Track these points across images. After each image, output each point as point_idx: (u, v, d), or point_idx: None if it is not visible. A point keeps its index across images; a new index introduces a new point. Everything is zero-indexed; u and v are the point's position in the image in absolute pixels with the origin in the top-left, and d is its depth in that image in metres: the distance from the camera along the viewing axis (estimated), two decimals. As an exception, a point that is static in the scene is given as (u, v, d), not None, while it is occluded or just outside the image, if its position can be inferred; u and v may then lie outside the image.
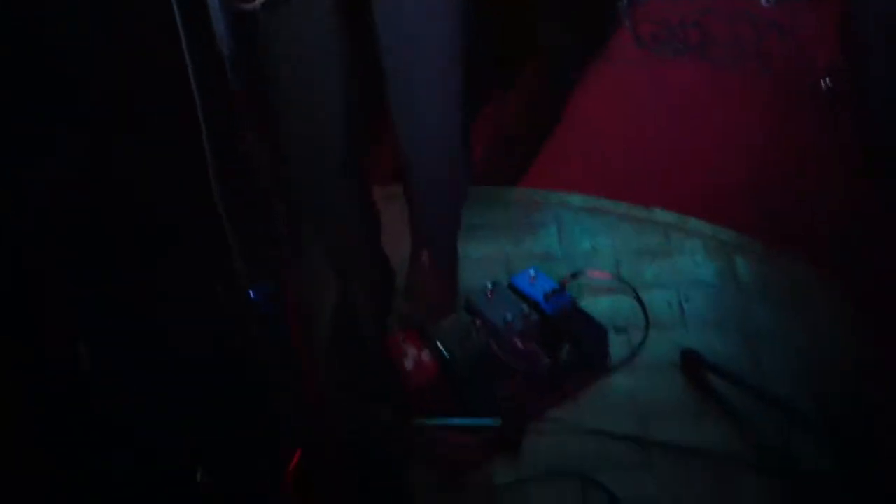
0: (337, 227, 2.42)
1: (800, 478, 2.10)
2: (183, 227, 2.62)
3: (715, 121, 3.19)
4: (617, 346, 2.43)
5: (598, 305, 2.53)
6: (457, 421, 2.20)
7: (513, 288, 2.46)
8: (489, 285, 2.43)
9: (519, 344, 2.31)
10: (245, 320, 2.36)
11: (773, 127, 3.13)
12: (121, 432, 2.14)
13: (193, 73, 1.71)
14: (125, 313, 2.42)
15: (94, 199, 2.37)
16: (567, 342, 2.35)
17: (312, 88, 2.12)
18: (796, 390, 2.25)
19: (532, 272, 2.47)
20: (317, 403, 2.02)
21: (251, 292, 2.37)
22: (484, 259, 2.71)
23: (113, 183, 2.44)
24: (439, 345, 2.34)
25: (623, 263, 2.67)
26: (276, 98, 2.06)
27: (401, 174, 2.44)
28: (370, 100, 2.26)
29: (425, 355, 2.31)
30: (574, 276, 2.56)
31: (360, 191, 2.41)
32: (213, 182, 1.81)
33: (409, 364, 2.29)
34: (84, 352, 2.21)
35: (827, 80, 3.11)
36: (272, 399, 2.18)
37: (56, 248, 2.32)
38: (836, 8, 3.30)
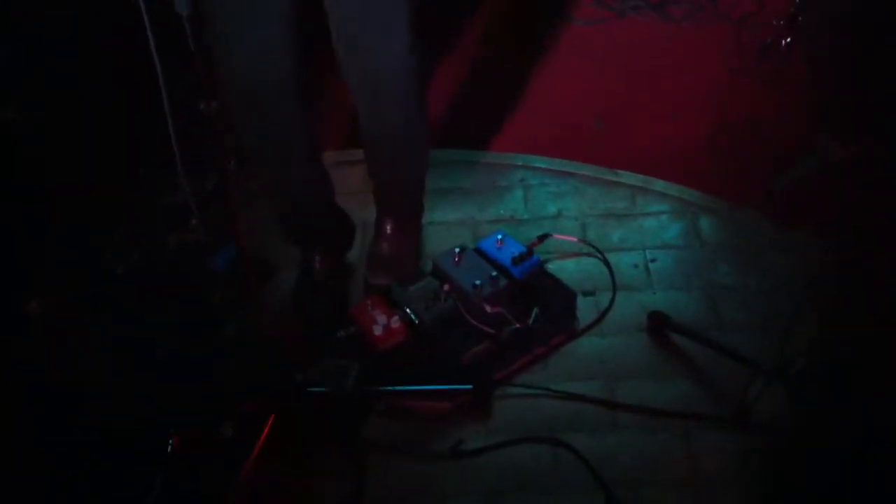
0: (287, 182, 2.41)
1: (761, 434, 2.13)
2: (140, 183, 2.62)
3: (675, 79, 3.19)
4: (585, 309, 2.44)
5: (565, 269, 2.54)
6: (427, 387, 2.20)
7: (480, 252, 2.45)
8: (457, 249, 2.42)
9: (487, 308, 2.31)
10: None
11: (732, 83, 3.14)
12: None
13: (152, 34, 1.70)
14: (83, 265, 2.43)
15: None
16: (535, 306, 2.35)
17: (249, 35, 2.08)
18: (758, 346, 2.28)
19: (499, 236, 2.46)
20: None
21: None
22: (450, 223, 2.71)
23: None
24: (408, 310, 2.33)
25: (589, 226, 2.67)
26: (218, 53, 2.04)
27: (360, 135, 2.42)
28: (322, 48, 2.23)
29: (394, 321, 2.30)
30: (541, 239, 2.56)
31: (307, 144, 2.38)
32: (172, 139, 1.81)
33: (377, 330, 2.28)
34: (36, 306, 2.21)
35: (788, 39, 3.12)
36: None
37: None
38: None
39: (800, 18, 3.11)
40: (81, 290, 2.42)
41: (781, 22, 3.17)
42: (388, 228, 2.55)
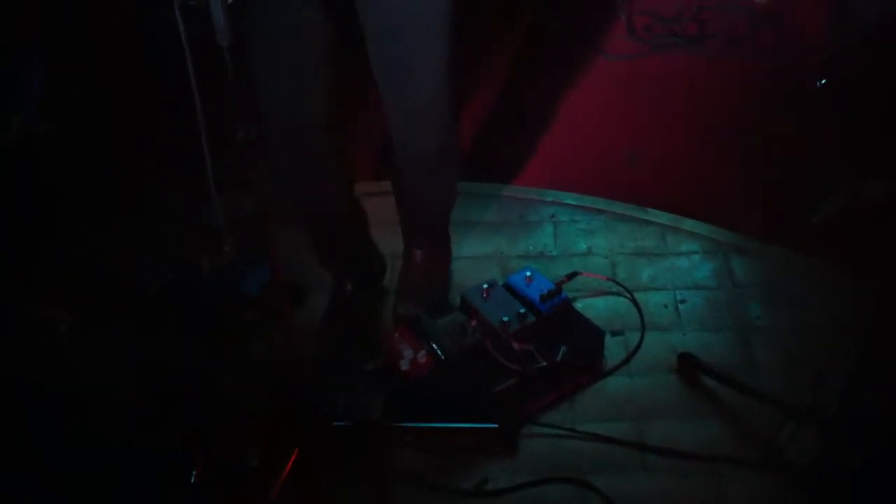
0: (321, 211, 2.42)
1: (793, 476, 2.10)
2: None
3: (710, 116, 3.18)
4: (613, 348, 2.41)
5: (594, 307, 2.52)
6: (453, 424, 2.18)
7: (509, 288, 2.44)
8: (485, 284, 2.41)
9: (515, 344, 2.29)
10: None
11: (766, 120, 3.13)
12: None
13: (192, 63, 1.72)
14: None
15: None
16: (563, 344, 2.33)
17: (289, 78, 2.11)
18: (790, 388, 2.25)
19: (528, 272, 2.45)
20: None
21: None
22: (479, 258, 2.70)
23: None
24: (434, 345, 2.32)
25: (619, 264, 2.66)
26: (259, 87, 2.06)
27: (391, 166, 2.43)
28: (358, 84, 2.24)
29: (421, 355, 2.28)
30: (570, 276, 2.54)
31: (341, 174, 2.39)
32: (208, 164, 1.82)
33: (404, 364, 2.27)
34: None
35: (822, 80, 3.10)
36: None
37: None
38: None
39: (835, 57, 3.10)
40: (111, 310, 2.43)
41: (818, 61, 3.15)
42: (417, 259, 2.55)
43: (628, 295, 2.55)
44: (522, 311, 2.34)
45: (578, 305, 2.50)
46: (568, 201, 2.87)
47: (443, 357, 2.31)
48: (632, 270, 2.64)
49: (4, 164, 2.43)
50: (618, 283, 2.58)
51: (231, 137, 1.82)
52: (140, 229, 2.60)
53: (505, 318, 2.31)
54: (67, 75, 2.62)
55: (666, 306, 2.54)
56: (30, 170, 2.46)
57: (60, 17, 2.57)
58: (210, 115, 1.80)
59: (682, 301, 2.55)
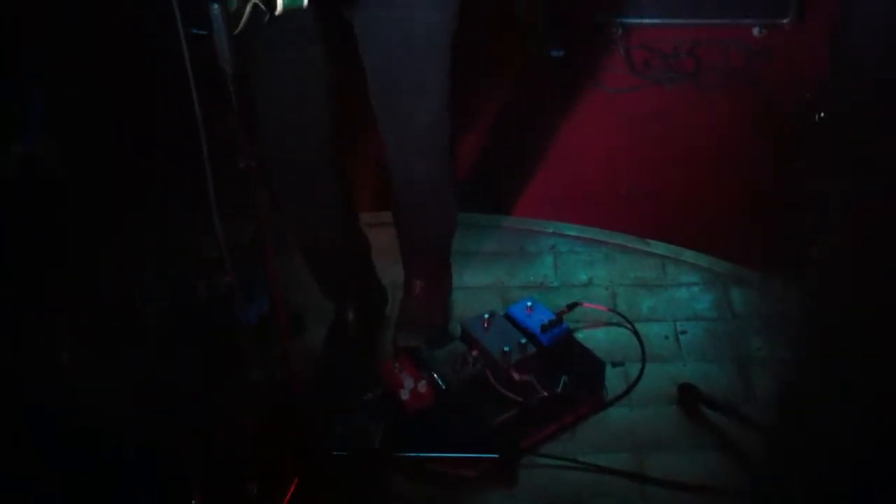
0: (323, 240, 2.42)
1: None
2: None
3: (709, 149, 3.20)
4: (614, 379, 2.41)
5: (594, 338, 2.52)
6: (453, 454, 2.17)
7: (509, 318, 2.44)
8: (486, 315, 2.41)
9: (515, 375, 2.29)
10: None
11: (763, 152, 3.15)
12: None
13: (196, 91, 1.73)
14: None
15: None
16: (564, 374, 2.33)
17: (292, 107, 2.13)
18: (791, 419, 2.25)
19: (529, 302, 2.45)
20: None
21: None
22: (480, 288, 2.70)
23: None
24: (435, 375, 2.32)
25: (619, 295, 2.66)
26: (261, 117, 2.07)
27: (392, 198, 2.44)
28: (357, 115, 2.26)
29: (421, 385, 2.28)
30: (571, 307, 2.54)
31: (343, 204, 2.40)
32: (210, 192, 1.82)
33: (404, 394, 2.26)
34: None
35: (821, 114, 3.12)
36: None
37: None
38: (824, 30, 3.33)
39: (832, 90, 3.12)
40: (110, 336, 2.43)
41: (816, 95, 3.17)
42: (418, 289, 2.55)
43: (629, 326, 2.55)
44: (523, 341, 2.34)
45: (579, 336, 2.49)
46: (568, 232, 2.88)
47: (443, 387, 2.30)
48: (632, 301, 2.64)
49: (6, 190, 2.43)
50: (619, 314, 2.58)
51: (233, 166, 1.82)
52: (140, 256, 2.60)
53: (505, 349, 2.31)
54: (70, 103, 2.64)
55: (666, 337, 2.54)
56: (31, 194, 2.47)
57: (64, 45, 2.59)
58: (213, 143, 1.81)
59: (683, 332, 2.55)
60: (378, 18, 2.02)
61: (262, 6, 1.74)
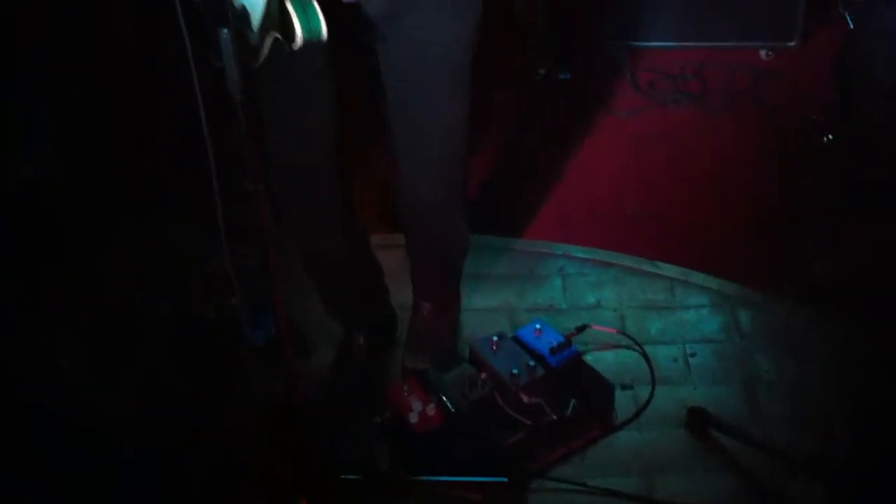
0: (331, 260, 2.42)
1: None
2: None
3: (716, 170, 3.20)
4: (623, 402, 2.40)
5: (603, 360, 2.51)
6: (462, 478, 2.16)
7: (518, 340, 2.43)
8: (494, 337, 2.40)
9: (524, 397, 2.28)
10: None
11: (770, 174, 3.15)
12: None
13: (206, 119, 1.73)
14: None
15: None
16: (573, 397, 2.32)
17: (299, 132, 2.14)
18: (799, 442, 2.25)
19: (537, 325, 2.45)
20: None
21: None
22: (488, 310, 2.69)
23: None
24: (444, 397, 2.31)
25: (628, 317, 2.65)
26: (270, 140, 2.08)
27: (401, 219, 2.44)
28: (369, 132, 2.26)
29: (430, 408, 2.27)
30: (580, 329, 2.53)
31: (347, 216, 2.40)
32: (219, 213, 1.82)
33: (413, 416, 2.26)
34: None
35: (830, 136, 3.12)
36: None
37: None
38: (831, 53, 3.34)
39: (839, 115, 3.12)
40: (116, 356, 2.43)
41: (823, 117, 3.17)
42: (426, 312, 2.55)
43: (638, 348, 2.54)
44: (532, 363, 2.33)
45: (588, 358, 2.49)
46: (577, 254, 2.87)
47: (452, 410, 2.29)
48: (641, 324, 2.63)
49: (13, 206, 2.44)
50: (628, 337, 2.57)
51: (241, 187, 1.83)
52: (147, 277, 2.61)
53: (514, 371, 2.30)
54: (77, 122, 2.65)
55: (676, 360, 2.53)
56: (38, 210, 2.48)
57: (72, 66, 2.60)
58: (221, 164, 1.82)
59: (692, 354, 2.54)
60: (397, 41, 2.03)
61: (282, 39, 1.75)
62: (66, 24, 2.54)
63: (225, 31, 1.62)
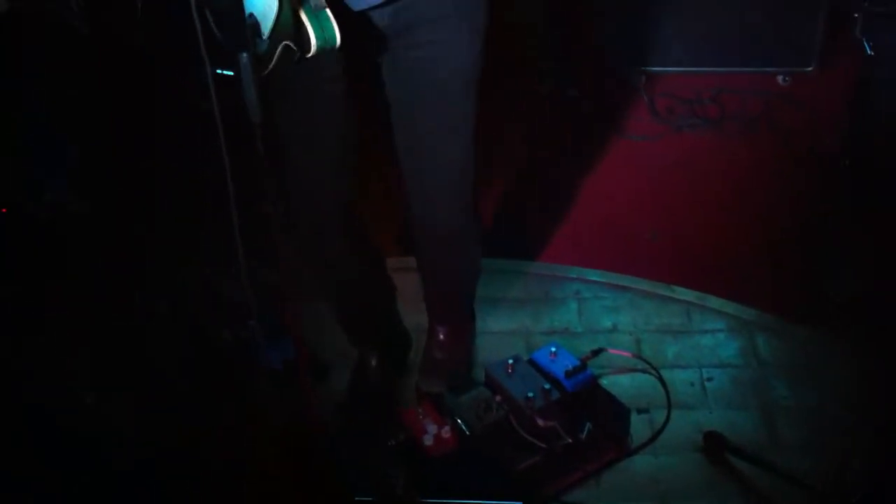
0: (348, 290, 2.43)
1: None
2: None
3: (733, 195, 3.20)
4: (639, 426, 2.39)
5: (619, 384, 2.51)
6: (477, 501, 2.15)
7: (533, 364, 2.43)
8: (510, 360, 2.40)
9: (539, 421, 2.28)
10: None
11: (788, 199, 3.15)
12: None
13: (224, 137, 1.75)
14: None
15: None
16: (588, 421, 2.31)
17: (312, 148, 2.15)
18: (816, 469, 2.22)
19: (553, 348, 2.45)
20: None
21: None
22: (504, 333, 2.70)
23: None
24: (458, 420, 2.31)
25: (644, 341, 2.65)
26: (286, 162, 2.10)
27: (414, 243, 2.45)
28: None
29: (445, 431, 2.27)
30: (595, 353, 2.53)
31: (363, 243, 2.41)
32: (237, 236, 1.84)
33: (428, 439, 2.26)
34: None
35: (847, 161, 3.11)
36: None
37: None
38: (849, 78, 3.34)
39: (858, 140, 3.11)
40: (131, 381, 2.44)
41: (840, 142, 3.17)
42: (441, 335, 2.56)
43: (654, 372, 2.53)
44: (547, 387, 2.33)
45: (604, 382, 2.48)
46: (592, 278, 2.88)
47: (467, 433, 2.29)
48: (657, 348, 2.63)
49: (36, 236, 2.47)
50: (644, 361, 2.57)
51: (259, 211, 1.85)
52: (164, 297, 2.63)
53: (529, 394, 2.30)
54: (99, 151, 2.68)
55: (692, 384, 2.52)
56: (61, 240, 2.50)
57: (94, 94, 2.64)
58: (239, 188, 1.84)
59: (709, 379, 2.53)
60: (404, 59, 2.04)
61: (294, 48, 1.77)
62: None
63: (245, 55, 1.64)
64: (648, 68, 3.75)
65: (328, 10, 1.77)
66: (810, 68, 3.66)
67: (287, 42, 1.74)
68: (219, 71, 1.69)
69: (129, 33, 2.60)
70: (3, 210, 2.42)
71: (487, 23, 2.05)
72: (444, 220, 2.32)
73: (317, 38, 1.78)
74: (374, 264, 2.49)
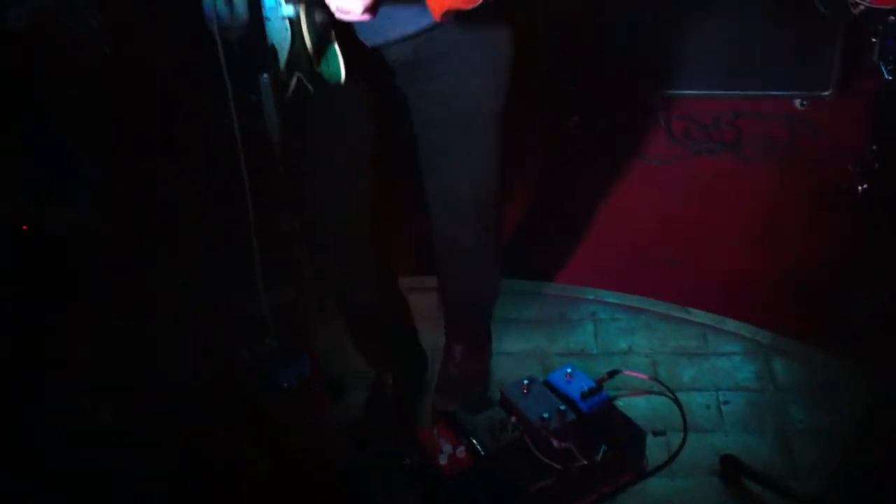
0: (363, 303, 2.43)
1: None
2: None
3: (750, 218, 3.20)
4: (654, 449, 2.38)
5: (635, 406, 2.50)
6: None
7: (549, 385, 2.43)
8: (525, 381, 2.40)
9: (554, 442, 2.27)
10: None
11: (805, 223, 3.15)
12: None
13: (244, 157, 1.77)
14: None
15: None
16: (603, 443, 2.30)
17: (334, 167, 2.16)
18: (833, 493, 2.22)
19: (568, 369, 2.44)
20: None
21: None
22: (519, 354, 2.70)
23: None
24: (473, 440, 2.31)
25: (660, 364, 2.64)
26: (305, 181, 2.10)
27: (435, 262, 2.45)
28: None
29: (459, 451, 2.27)
30: (611, 374, 2.53)
31: (382, 265, 2.42)
32: (255, 255, 1.85)
33: (443, 458, 2.25)
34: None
35: (864, 185, 3.11)
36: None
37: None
38: (866, 102, 3.34)
39: (876, 165, 3.11)
40: (151, 398, 2.46)
41: (857, 167, 3.17)
42: (458, 354, 2.56)
43: (670, 395, 2.53)
44: (562, 408, 2.32)
45: (619, 404, 2.48)
46: (609, 299, 2.88)
47: (482, 453, 2.29)
48: (673, 370, 2.62)
49: (57, 253, 2.50)
50: (660, 383, 2.56)
51: (277, 229, 1.86)
52: (184, 317, 2.64)
53: (545, 415, 2.29)
54: (121, 170, 2.71)
55: (708, 407, 2.51)
56: (79, 258, 2.53)
57: (117, 114, 2.67)
58: (258, 206, 1.85)
59: (725, 402, 2.52)
60: (427, 91, 2.06)
61: (305, 82, 1.79)
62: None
63: (265, 75, 1.67)
64: (665, 91, 3.76)
65: (336, 46, 1.80)
66: (828, 92, 3.66)
67: (300, 74, 1.76)
68: (239, 91, 1.72)
69: (152, 54, 2.64)
70: (24, 227, 2.45)
71: (511, 54, 2.07)
72: (466, 241, 2.34)
73: (323, 72, 1.80)
74: (391, 283, 2.50)
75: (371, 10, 1.72)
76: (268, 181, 1.80)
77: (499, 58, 2.07)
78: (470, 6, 1.82)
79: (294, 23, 1.72)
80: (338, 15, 1.73)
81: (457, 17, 1.90)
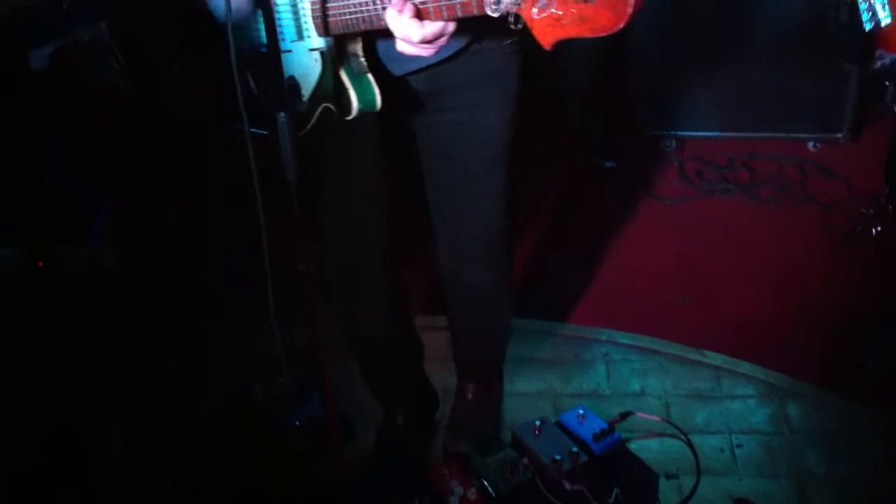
0: (378, 348, 2.43)
1: None
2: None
3: (763, 260, 3.20)
4: (667, 492, 2.36)
5: (647, 448, 2.47)
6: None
7: (561, 426, 2.41)
8: (537, 422, 2.39)
9: (566, 484, 2.25)
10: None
11: (819, 265, 3.14)
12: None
13: (261, 198, 1.78)
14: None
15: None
16: (615, 485, 2.28)
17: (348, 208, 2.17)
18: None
19: (581, 410, 2.42)
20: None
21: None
22: (531, 394, 2.69)
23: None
24: (484, 481, 2.29)
25: (673, 406, 2.63)
26: (321, 221, 2.12)
27: (446, 301, 2.45)
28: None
29: (470, 492, 2.25)
30: (623, 416, 2.51)
31: (395, 303, 2.42)
32: (269, 292, 1.85)
33: (453, 500, 2.23)
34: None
35: (878, 228, 3.11)
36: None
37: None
38: (879, 145, 3.34)
39: (890, 208, 3.11)
40: (162, 430, 2.46)
41: (871, 210, 3.17)
42: (470, 394, 2.55)
43: (683, 437, 2.51)
44: (574, 449, 2.30)
45: (632, 446, 2.45)
46: (622, 340, 2.87)
47: (493, 494, 2.27)
48: (686, 412, 2.61)
49: (71, 291, 2.51)
50: (672, 425, 2.54)
51: (292, 269, 1.87)
52: (199, 356, 2.65)
53: (556, 457, 2.28)
54: (136, 208, 2.73)
55: (722, 450, 2.49)
56: (95, 296, 2.54)
57: (132, 153, 2.70)
58: (273, 246, 1.86)
59: (739, 445, 2.50)
60: (439, 122, 2.07)
61: (334, 109, 1.79)
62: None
63: (282, 115, 1.68)
64: (679, 132, 3.78)
65: (370, 75, 1.81)
66: (841, 135, 3.67)
67: (327, 104, 1.77)
68: (254, 130, 1.73)
69: (170, 93, 2.67)
70: (41, 263, 2.47)
71: (521, 88, 2.08)
72: (477, 280, 2.34)
73: (359, 101, 1.81)
74: (404, 322, 2.50)
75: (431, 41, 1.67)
76: (283, 219, 1.81)
77: (509, 91, 2.08)
78: (589, 35, 1.77)
79: (325, 54, 1.72)
80: (399, 47, 1.69)
81: (474, 50, 1.91)
